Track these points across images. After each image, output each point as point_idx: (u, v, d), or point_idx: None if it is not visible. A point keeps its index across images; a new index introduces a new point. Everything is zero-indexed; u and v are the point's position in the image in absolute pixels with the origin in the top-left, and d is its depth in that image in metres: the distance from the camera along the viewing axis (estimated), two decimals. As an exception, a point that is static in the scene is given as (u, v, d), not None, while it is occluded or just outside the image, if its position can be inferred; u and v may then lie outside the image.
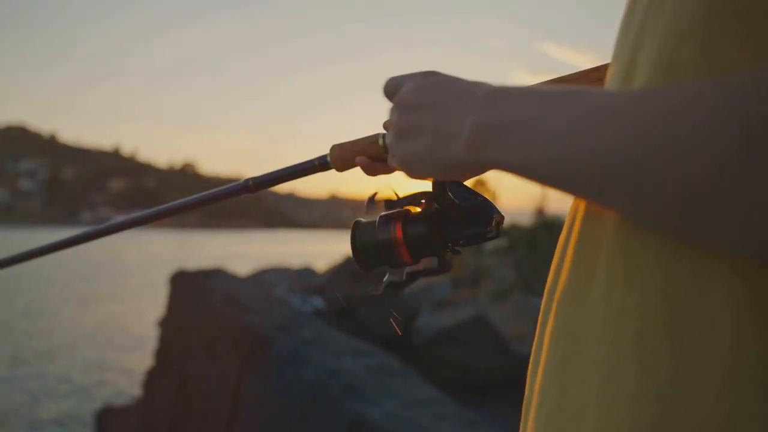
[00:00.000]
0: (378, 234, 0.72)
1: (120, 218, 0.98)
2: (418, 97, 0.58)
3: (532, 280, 12.94)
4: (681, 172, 0.38)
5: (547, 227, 15.58)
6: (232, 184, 0.91)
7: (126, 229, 0.98)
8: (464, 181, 0.69)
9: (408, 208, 0.74)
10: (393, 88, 0.62)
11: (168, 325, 5.62)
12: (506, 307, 12.23)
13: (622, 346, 0.46)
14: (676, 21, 0.46)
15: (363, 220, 0.75)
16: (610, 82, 0.54)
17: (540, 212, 18.19)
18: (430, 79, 0.58)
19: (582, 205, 0.55)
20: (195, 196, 0.93)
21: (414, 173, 0.60)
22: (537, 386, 0.56)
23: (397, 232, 0.71)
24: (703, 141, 0.37)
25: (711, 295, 0.43)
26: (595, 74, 0.76)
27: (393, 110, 0.61)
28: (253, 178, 0.89)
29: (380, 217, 0.74)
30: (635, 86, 0.49)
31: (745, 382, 0.42)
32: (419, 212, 0.73)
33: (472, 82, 0.56)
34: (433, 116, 0.56)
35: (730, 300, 0.43)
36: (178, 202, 0.94)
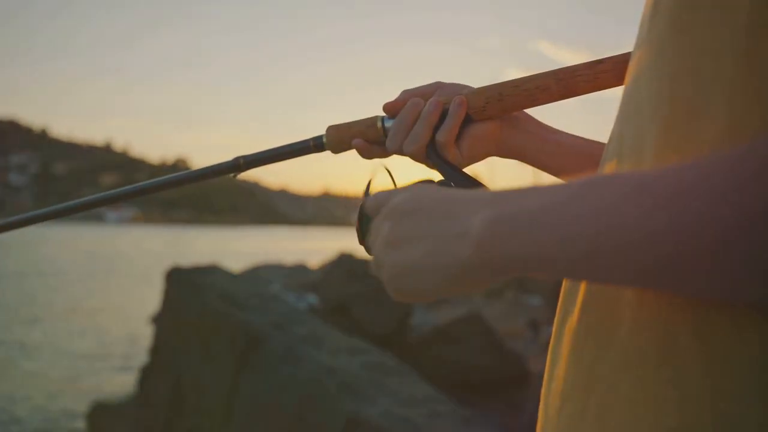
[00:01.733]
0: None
1: (105, 193, 0.92)
2: (414, 204, 0.52)
3: (526, 279, 12.96)
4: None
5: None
6: (222, 162, 0.86)
7: (112, 203, 0.93)
8: (466, 294, 0.63)
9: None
10: (381, 201, 0.56)
11: (163, 321, 5.59)
12: (500, 305, 12.27)
13: (650, 354, 0.45)
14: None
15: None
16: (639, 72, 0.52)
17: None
18: (425, 187, 0.54)
19: None
20: (183, 172, 0.89)
21: (404, 290, 0.52)
22: (556, 388, 0.55)
23: None
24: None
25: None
26: (600, 66, 0.74)
27: (381, 222, 0.54)
28: (244, 156, 0.85)
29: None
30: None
31: None
32: None
33: (471, 190, 0.51)
34: (433, 220, 0.50)
35: (757, 307, 0.42)
36: (165, 177, 0.89)
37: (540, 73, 0.78)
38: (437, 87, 0.82)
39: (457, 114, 0.78)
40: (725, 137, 0.43)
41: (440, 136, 0.79)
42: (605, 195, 0.42)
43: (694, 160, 0.40)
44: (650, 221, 0.39)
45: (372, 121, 0.82)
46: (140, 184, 0.90)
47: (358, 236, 0.68)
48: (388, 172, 0.71)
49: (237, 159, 0.85)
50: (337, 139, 0.83)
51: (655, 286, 0.43)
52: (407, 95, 0.82)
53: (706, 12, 0.45)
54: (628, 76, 0.54)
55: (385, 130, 0.82)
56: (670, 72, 0.47)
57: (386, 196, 0.56)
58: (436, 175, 0.76)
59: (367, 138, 0.83)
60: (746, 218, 0.36)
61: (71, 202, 0.95)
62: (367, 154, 0.84)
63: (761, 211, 0.35)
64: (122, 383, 9.34)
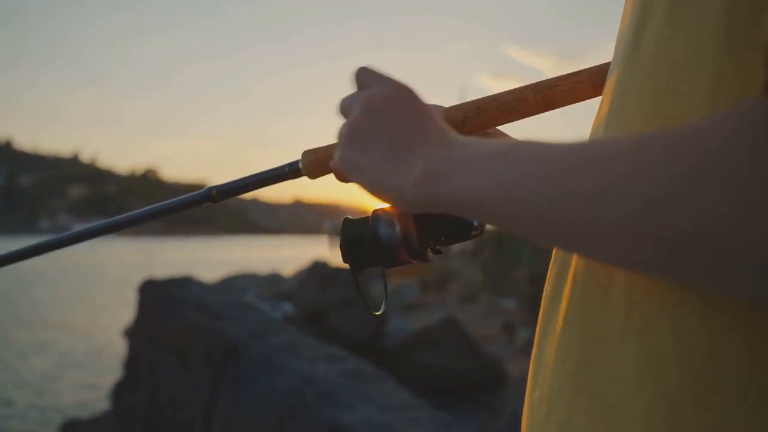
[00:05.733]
0: (379, 232, 0.68)
1: (75, 228, 0.89)
2: (385, 107, 0.56)
3: (500, 282, 13.05)
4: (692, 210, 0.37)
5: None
6: (194, 193, 0.84)
7: (81, 240, 0.90)
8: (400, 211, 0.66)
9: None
10: (364, 82, 0.60)
11: (137, 334, 5.52)
12: (475, 309, 12.33)
13: (639, 365, 0.46)
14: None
15: (352, 217, 0.72)
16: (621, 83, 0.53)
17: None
18: (402, 95, 0.56)
19: None
20: (154, 206, 0.86)
21: (353, 181, 0.58)
22: (542, 395, 0.56)
23: (396, 231, 0.67)
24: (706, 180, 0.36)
25: (722, 316, 0.43)
26: (576, 78, 0.75)
27: (357, 102, 0.57)
28: (217, 187, 0.82)
29: (374, 212, 0.70)
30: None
31: (756, 404, 0.42)
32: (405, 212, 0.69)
33: (442, 122, 0.55)
34: (392, 135, 0.54)
35: (741, 322, 0.43)
36: (135, 212, 0.87)
37: (517, 87, 0.79)
38: None
39: None
40: None
41: None
42: (545, 152, 0.44)
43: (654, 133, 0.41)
44: (572, 183, 0.41)
45: None
46: (111, 219, 0.88)
47: (343, 250, 0.70)
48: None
49: (210, 189, 0.83)
50: (314, 164, 0.80)
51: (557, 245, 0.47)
52: None
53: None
54: (613, 91, 0.55)
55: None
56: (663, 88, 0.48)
57: (375, 79, 0.59)
58: None
59: None
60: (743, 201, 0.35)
61: (43, 240, 0.92)
62: (344, 179, 0.84)
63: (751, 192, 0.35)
64: (92, 399, 9.17)
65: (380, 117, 0.55)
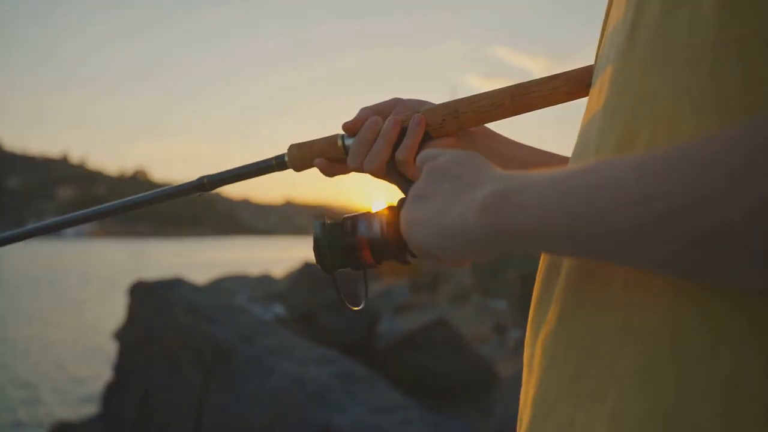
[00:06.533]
0: (343, 236, 0.72)
1: (72, 214, 0.92)
2: (447, 167, 0.56)
3: (492, 283, 13.07)
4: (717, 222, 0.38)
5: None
6: (186, 183, 0.88)
7: (78, 224, 0.93)
8: (463, 265, 0.67)
9: (370, 210, 0.73)
10: (430, 157, 0.60)
11: (127, 336, 5.50)
12: (466, 309, 12.34)
13: (638, 366, 0.46)
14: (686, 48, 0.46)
15: (327, 221, 0.73)
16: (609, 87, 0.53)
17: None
18: (468, 157, 0.57)
19: None
20: (147, 193, 0.89)
21: (413, 238, 0.57)
22: (539, 397, 0.55)
23: (362, 234, 0.71)
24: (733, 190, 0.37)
25: (720, 316, 0.44)
26: (553, 83, 0.77)
27: (422, 175, 0.58)
28: (208, 176, 0.87)
29: (344, 218, 0.73)
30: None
31: (748, 411, 0.42)
32: (383, 213, 0.72)
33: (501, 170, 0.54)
34: (456, 184, 0.53)
35: (740, 322, 0.43)
36: (129, 198, 0.89)
37: (495, 90, 0.80)
38: (395, 103, 0.83)
39: (416, 132, 0.80)
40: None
41: (400, 154, 0.80)
42: (609, 175, 0.43)
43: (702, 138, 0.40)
44: (654, 201, 0.40)
45: (333, 139, 0.84)
46: (102, 206, 0.90)
47: (315, 253, 0.72)
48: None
49: (201, 179, 0.87)
50: (299, 158, 0.84)
51: (645, 266, 0.45)
52: (366, 113, 0.83)
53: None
54: (608, 90, 0.55)
55: (345, 148, 0.83)
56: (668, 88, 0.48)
57: (438, 153, 0.59)
58: (397, 192, 0.78)
59: (329, 156, 0.84)
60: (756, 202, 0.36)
61: (30, 227, 0.94)
62: (328, 173, 0.85)
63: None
64: (81, 402, 9.11)
65: (443, 174, 0.55)
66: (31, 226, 0.94)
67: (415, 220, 0.55)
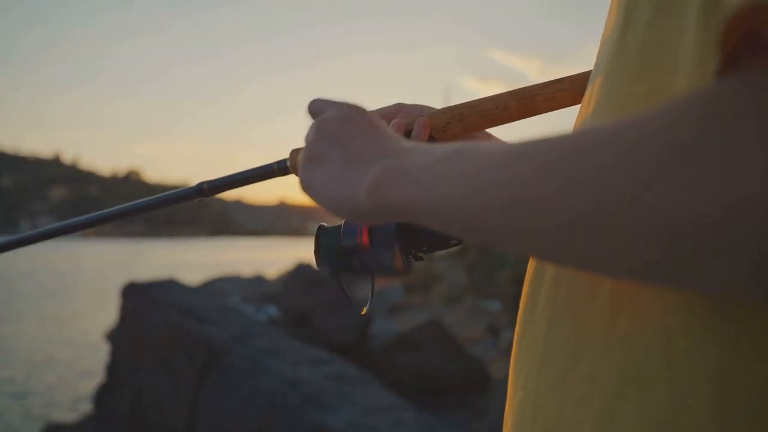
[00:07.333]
0: (344, 239, 0.71)
1: (68, 221, 0.90)
2: (336, 129, 0.57)
3: (485, 284, 13.09)
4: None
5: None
6: (185, 188, 0.86)
7: (72, 232, 0.91)
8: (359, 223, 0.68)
9: None
10: (317, 110, 0.62)
11: (120, 337, 5.48)
12: (459, 311, 12.35)
13: (625, 369, 0.46)
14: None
15: (326, 224, 0.74)
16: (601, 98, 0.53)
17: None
18: (353, 115, 0.58)
19: None
20: (145, 199, 0.88)
21: (312, 199, 0.59)
22: (526, 399, 0.56)
23: (364, 237, 0.71)
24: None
25: (707, 319, 0.44)
26: (558, 86, 0.76)
27: (311, 129, 0.60)
28: (208, 182, 0.85)
29: (345, 222, 0.72)
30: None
31: (736, 409, 0.42)
32: None
33: (394, 134, 0.56)
34: (343, 152, 0.55)
35: (727, 325, 0.43)
36: (126, 205, 0.88)
37: (500, 93, 0.80)
38: (398, 108, 0.83)
39: (421, 135, 0.79)
40: None
41: None
42: (494, 156, 0.43)
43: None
44: (537, 184, 0.39)
45: None
46: (101, 212, 0.89)
47: (316, 256, 0.73)
48: None
49: (201, 184, 0.85)
50: None
51: (523, 252, 0.45)
52: None
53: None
54: (598, 93, 0.55)
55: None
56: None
57: (324, 106, 0.61)
58: None
59: None
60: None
61: (40, 230, 0.93)
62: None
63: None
64: (73, 403, 9.07)
65: (331, 136, 0.57)
66: (30, 232, 0.92)
67: (312, 186, 0.57)
